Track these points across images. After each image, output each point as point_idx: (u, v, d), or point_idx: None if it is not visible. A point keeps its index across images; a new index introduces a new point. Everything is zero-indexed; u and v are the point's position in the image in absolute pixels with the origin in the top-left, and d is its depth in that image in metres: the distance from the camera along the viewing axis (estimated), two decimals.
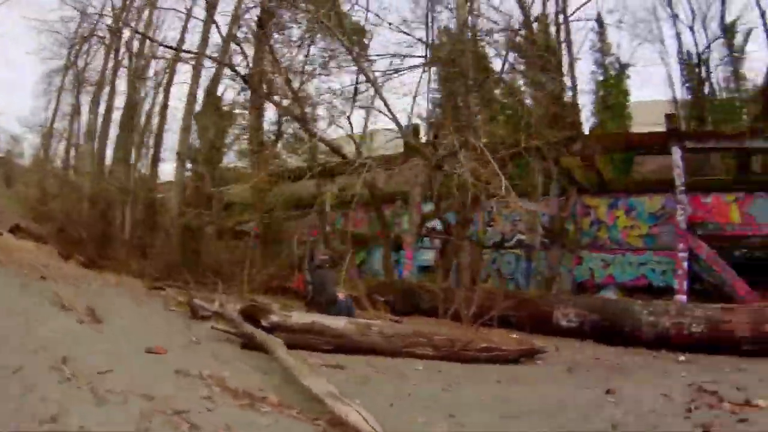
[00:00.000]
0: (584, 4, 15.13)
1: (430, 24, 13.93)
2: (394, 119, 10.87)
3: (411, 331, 6.72)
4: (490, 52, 13.01)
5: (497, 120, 12.36)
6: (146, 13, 15.99)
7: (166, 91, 16.34)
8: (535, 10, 14.01)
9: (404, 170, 10.86)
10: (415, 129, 12.77)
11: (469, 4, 12.34)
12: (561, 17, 14.19)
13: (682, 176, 11.94)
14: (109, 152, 17.25)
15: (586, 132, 15.01)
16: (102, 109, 17.92)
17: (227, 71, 13.93)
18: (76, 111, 20.23)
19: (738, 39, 16.84)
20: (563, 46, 14.23)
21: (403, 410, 3.85)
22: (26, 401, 2.66)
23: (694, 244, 11.76)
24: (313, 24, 12.18)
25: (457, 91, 12.33)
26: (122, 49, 17.29)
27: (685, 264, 11.56)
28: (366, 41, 11.97)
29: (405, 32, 12.40)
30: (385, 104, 10.61)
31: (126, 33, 16.94)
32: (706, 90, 17.19)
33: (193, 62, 14.68)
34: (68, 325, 4.69)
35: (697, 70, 17.08)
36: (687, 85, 17.56)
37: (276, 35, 13.22)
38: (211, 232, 12.75)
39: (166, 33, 16.42)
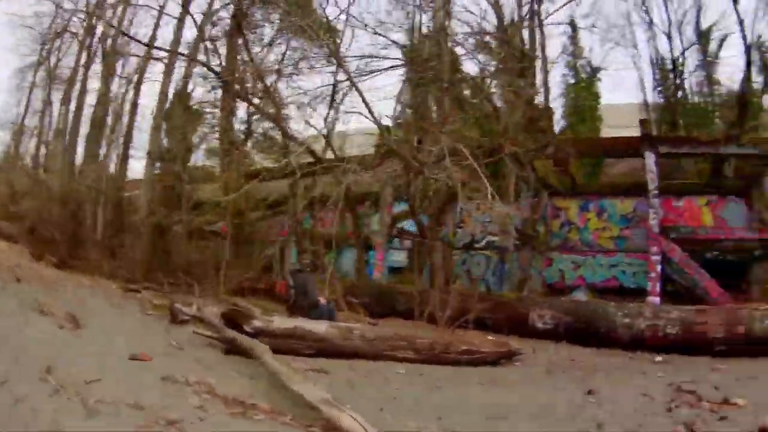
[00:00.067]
0: (559, 8, 15.24)
1: (406, 27, 13.92)
2: (376, 121, 10.87)
3: (392, 334, 6.77)
4: (463, 54, 13.20)
5: (469, 122, 12.42)
6: (120, 9, 15.58)
7: (137, 89, 15.99)
8: (511, 14, 14.23)
9: (377, 171, 10.83)
10: (387, 130, 12.74)
11: (445, 6, 12.46)
12: (536, 21, 14.35)
13: (655, 180, 12.02)
14: (80, 150, 16.80)
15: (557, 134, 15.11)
16: (73, 106, 17.43)
17: (198, 69, 13.72)
18: (47, 108, 19.64)
19: (712, 45, 17.29)
20: (537, 50, 14.41)
21: (392, 414, 3.90)
22: (17, 411, 2.60)
23: (667, 247, 11.87)
24: (286, 23, 12.11)
25: (431, 94, 12.42)
26: (95, 46, 16.85)
27: (659, 267, 11.66)
28: (338, 41, 11.92)
29: (381, 34, 12.42)
30: (365, 103, 10.56)
31: (99, 29, 16.52)
32: (679, 94, 17.52)
33: (166, 60, 14.42)
34: (49, 331, 4.59)
35: (671, 75, 17.41)
36: (659, 89, 17.89)
37: (249, 34, 13.13)
38: (181, 232, 12.51)
39: (138, 30, 15.98)
